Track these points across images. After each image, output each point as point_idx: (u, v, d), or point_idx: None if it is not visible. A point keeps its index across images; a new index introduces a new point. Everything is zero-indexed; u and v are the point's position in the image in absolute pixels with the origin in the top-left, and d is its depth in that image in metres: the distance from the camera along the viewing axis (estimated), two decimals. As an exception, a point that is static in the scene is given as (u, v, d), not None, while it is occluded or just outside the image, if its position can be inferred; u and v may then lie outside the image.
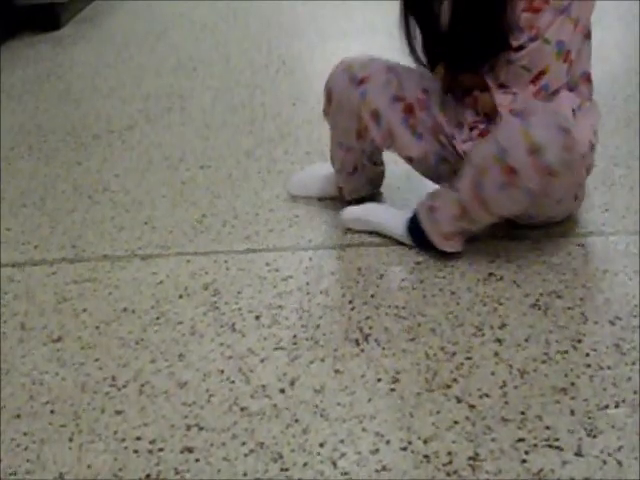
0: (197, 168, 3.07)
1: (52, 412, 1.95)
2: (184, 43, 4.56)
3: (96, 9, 5.27)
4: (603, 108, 3.22)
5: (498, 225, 2.50)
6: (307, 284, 2.36)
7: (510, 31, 2.23)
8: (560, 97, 2.26)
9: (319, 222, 2.67)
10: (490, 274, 2.34)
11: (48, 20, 4.90)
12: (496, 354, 2.03)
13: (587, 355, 2.01)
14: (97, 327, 2.25)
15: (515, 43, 2.23)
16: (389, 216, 2.54)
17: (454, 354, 2.04)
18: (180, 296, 2.35)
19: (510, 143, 2.11)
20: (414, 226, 2.45)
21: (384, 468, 1.73)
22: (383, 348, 2.08)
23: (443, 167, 2.49)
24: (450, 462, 1.73)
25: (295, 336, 2.15)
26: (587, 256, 2.42)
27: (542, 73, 2.24)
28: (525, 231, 2.50)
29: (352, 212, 2.60)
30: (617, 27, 4.33)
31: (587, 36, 2.33)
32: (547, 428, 1.80)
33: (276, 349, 2.11)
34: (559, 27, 2.21)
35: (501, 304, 2.21)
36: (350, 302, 2.26)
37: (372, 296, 2.28)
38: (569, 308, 2.18)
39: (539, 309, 2.18)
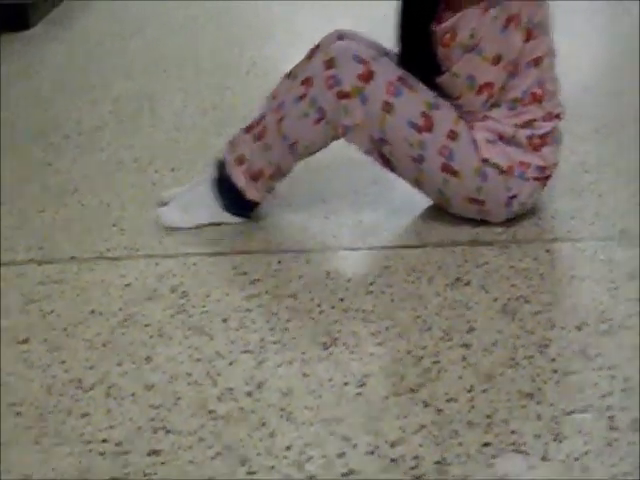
0: (167, 170, 3.06)
1: (18, 414, 1.94)
2: (155, 44, 4.55)
3: (66, 9, 5.24)
4: (573, 115, 3.24)
5: (466, 230, 2.52)
6: (275, 287, 2.36)
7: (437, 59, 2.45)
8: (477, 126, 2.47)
9: (287, 225, 2.68)
10: (458, 279, 2.34)
11: (18, 19, 4.86)
12: (463, 358, 2.04)
13: (554, 360, 2.02)
14: (64, 329, 2.24)
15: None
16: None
17: (421, 358, 2.05)
18: (148, 298, 2.35)
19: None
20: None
21: (351, 472, 1.73)
22: (351, 352, 2.08)
23: None
24: (417, 466, 1.73)
25: (263, 339, 2.15)
26: (555, 262, 2.44)
27: (458, 99, 2.46)
28: (493, 236, 2.51)
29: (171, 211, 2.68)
30: (587, 35, 4.36)
31: (535, 62, 2.45)
32: (513, 433, 1.80)
33: (244, 352, 2.11)
34: (467, 63, 2.41)
35: (469, 309, 2.22)
36: (318, 306, 2.27)
37: (340, 300, 2.28)
38: (536, 313, 2.19)
39: (507, 314, 2.19)
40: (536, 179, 2.49)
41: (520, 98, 2.46)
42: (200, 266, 2.49)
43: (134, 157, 3.20)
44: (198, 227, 2.66)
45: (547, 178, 2.54)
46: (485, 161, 2.44)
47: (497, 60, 2.40)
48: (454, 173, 2.45)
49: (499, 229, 2.54)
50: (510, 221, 2.56)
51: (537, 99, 2.47)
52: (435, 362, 2.03)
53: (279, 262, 2.48)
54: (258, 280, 2.40)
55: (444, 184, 2.48)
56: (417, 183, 2.55)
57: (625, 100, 3.44)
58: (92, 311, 2.31)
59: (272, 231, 2.65)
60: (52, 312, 2.31)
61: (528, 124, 2.47)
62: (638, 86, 3.53)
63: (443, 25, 2.40)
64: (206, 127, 3.38)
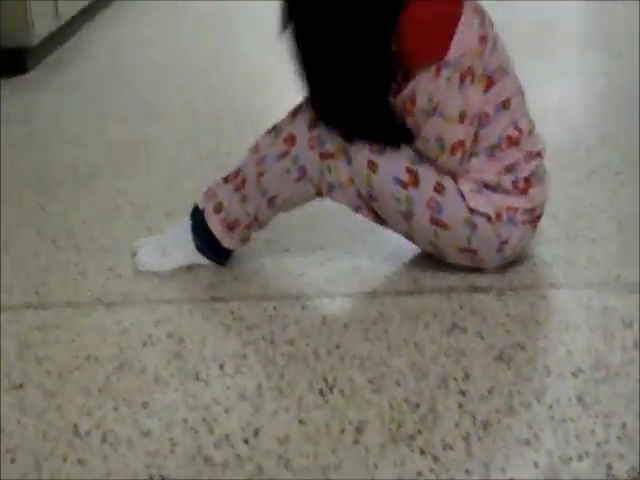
0: (162, 215, 3.07)
1: (13, 460, 1.93)
2: (150, 90, 4.57)
3: (63, 55, 5.27)
4: (565, 160, 3.28)
5: (462, 276, 2.53)
6: (272, 333, 2.36)
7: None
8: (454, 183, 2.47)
9: (284, 271, 2.68)
10: (454, 325, 2.35)
11: (14, 64, 4.89)
12: (460, 406, 2.04)
13: (550, 407, 2.02)
14: (60, 374, 2.23)
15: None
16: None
17: (418, 405, 2.04)
18: (144, 344, 2.35)
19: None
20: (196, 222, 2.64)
21: (348, 520, 1.73)
22: (347, 398, 2.08)
23: None
24: (414, 514, 1.73)
25: (259, 385, 2.15)
26: (550, 308, 2.45)
27: (435, 161, 2.45)
28: (489, 282, 2.52)
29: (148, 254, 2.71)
30: (578, 81, 4.39)
31: (504, 105, 2.45)
32: (511, 480, 1.80)
33: (240, 398, 2.10)
34: (433, 127, 2.42)
35: (465, 356, 2.22)
36: (314, 352, 2.27)
37: (336, 346, 2.29)
38: (532, 360, 2.20)
39: (502, 361, 2.19)
40: (526, 222, 2.49)
41: (497, 144, 2.45)
42: (196, 312, 2.49)
43: (130, 202, 3.21)
44: (174, 269, 2.68)
45: (538, 218, 2.55)
46: (473, 211, 2.44)
47: (462, 117, 2.40)
48: (444, 226, 2.46)
49: (495, 275, 2.55)
50: (506, 267, 2.57)
51: (514, 142, 2.46)
52: (431, 409, 2.03)
53: (275, 308, 2.48)
54: (254, 326, 2.40)
55: (435, 236, 2.49)
56: (409, 236, 2.56)
57: (618, 144, 3.46)
58: (88, 356, 2.30)
59: (268, 276, 2.66)
60: (47, 357, 2.31)
61: (510, 169, 2.46)
62: (630, 129, 3.56)
63: (401, 95, 2.41)
64: (201, 173, 3.39)
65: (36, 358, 2.31)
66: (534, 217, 2.52)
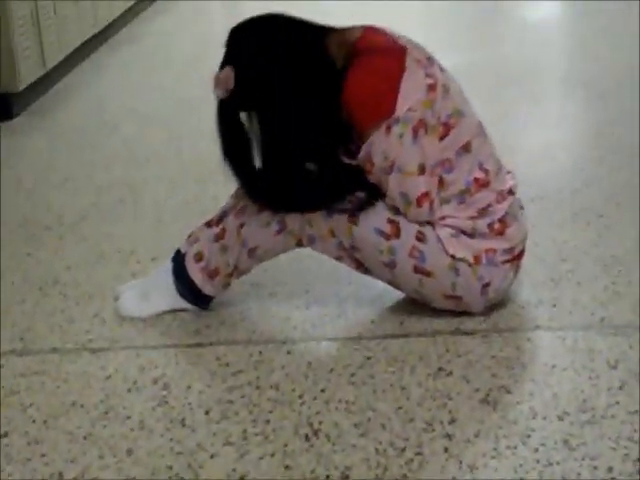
0: (148, 261, 3.07)
1: (-3, 509, 1.93)
2: (136, 136, 4.58)
3: (49, 101, 5.29)
4: (550, 203, 3.29)
5: (448, 319, 2.53)
6: (257, 378, 2.35)
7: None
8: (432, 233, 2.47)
9: (269, 315, 2.68)
10: (440, 369, 2.35)
11: (0, 109, 4.90)
12: (446, 449, 2.03)
13: (536, 450, 2.02)
14: (45, 421, 2.23)
15: None
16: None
17: (404, 449, 2.04)
18: (129, 390, 2.34)
19: None
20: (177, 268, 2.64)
21: None
22: (333, 443, 2.08)
23: None
24: None
25: (245, 431, 2.14)
26: (535, 351, 2.45)
27: (405, 215, 2.46)
28: (475, 325, 2.52)
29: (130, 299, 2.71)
30: (562, 126, 4.42)
31: (465, 148, 2.45)
32: (497, 525, 1.80)
33: (226, 444, 2.10)
34: (395, 183, 2.43)
35: (451, 399, 2.22)
36: (300, 397, 2.26)
37: (322, 391, 2.28)
38: (518, 403, 2.20)
39: (488, 404, 2.19)
40: (506, 262, 2.49)
41: (465, 189, 2.45)
42: (181, 357, 2.49)
43: (116, 248, 3.21)
44: (157, 314, 2.69)
45: (519, 256, 2.54)
46: (453, 257, 2.45)
47: (421, 170, 2.40)
48: (428, 274, 2.46)
49: (481, 318, 2.55)
50: (491, 310, 2.57)
51: (483, 183, 2.46)
52: (418, 453, 2.03)
53: (261, 352, 2.48)
54: (240, 371, 2.39)
55: (420, 285, 2.49)
56: (393, 284, 2.57)
57: (602, 187, 3.48)
58: (73, 403, 2.30)
59: (254, 321, 2.66)
60: (32, 405, 2.30)
61: (484, 212, 2.46)
62: (614, 171, 3.59)
63: (358, 157, 2.43)
64: (188, 218, 3.39)
65: (21, 405, 2.30)
66: (514, 256, 2.52)
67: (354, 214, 2.45)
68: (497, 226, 2.46)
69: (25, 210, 3.66)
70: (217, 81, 2.44)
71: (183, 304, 2.68)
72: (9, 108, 4.94)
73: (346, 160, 2.47)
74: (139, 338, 2.59)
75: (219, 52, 2.48)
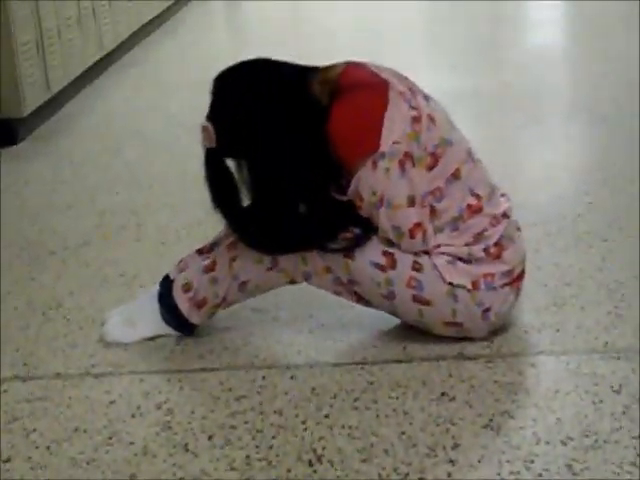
0: (151, 284, 3.05)
1: (0, 535, 1.92)
2: (139, 160, 4.60)
3: (54, 125, 5.31)
4: (553, 228, 3.29)
5: (451, 344, 2.53)
6: (260, 404, 2.35)
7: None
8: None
9: (272, 340, 2.68)
10: (443, 394, 2.35)
11: (5, 135, 4.91)
12: (449, 475, 2.03)
13: (540, 475, 2.01)
14: (48, 447, 2.23)
15: None
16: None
17: (407, 475, 2.04)
18: (133, 415, 2.34)
19: None
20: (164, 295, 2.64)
21: None
22: (336, 469, 2.07)
23: None
24: None
25: (248, 456, 2.14)
26: (539, 376, 2.45)
27: (399, 247, 2.46)
28: (478, 350, 2.52)
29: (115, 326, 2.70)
30: (565, 148, 4.43)
31: (455, 176, 2.46)
32: None
33: (229, 470, 2.10)
34: (385, 217, 2.44)
35: (454, 424, 2.22)
36: (303, 422, 2.26)
37: (325, 416, 2.28)
38: (521, 428, 2.19)
39: (492, 429, 2.19)
40: (505, 285, 2.49)
41: (458, 216, 2.46)
42: (185, 382, 2.49)
43: (119, 272, 3.22)
44: (142, 340, 2.69)
45: (519, 278, 2.54)
46: (451, 284, 2.45)
47: (411, 202, 2.41)
48: (427, 303, 2.46)
49: (484, 343, 2.55)
50: (494, 334, 2.57)
51: (475, 210, 2.47)
52: (421, 479, 2.02)
53: (264, 378, 2.47)
54: (243, 396, 2.39)
55: (420, 314, 2.49)
56: (394, 314, 2.57)
57: (605, 211, 3.49)
58: (76, 429, 2.30)
59: (257, 346, 2.65)
60: (35, 430, 2.30)
61: (479, 237, 2.47)
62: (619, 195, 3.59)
63: (348, 193, 2.45)
64: (191, 242, 3.39)
65: (24, 431, 2.30)
66: (513, 278, 2.51)
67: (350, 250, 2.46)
68: (493, 250, 2.47)
69: (29, 234, 3.66)
70: (203, 132, 2.47)
71: (167, 330, 2.68)
72: (14, 133, 4.96)
73: (338, 196, 2.49)
74: (143, 363, 2.59)
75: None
